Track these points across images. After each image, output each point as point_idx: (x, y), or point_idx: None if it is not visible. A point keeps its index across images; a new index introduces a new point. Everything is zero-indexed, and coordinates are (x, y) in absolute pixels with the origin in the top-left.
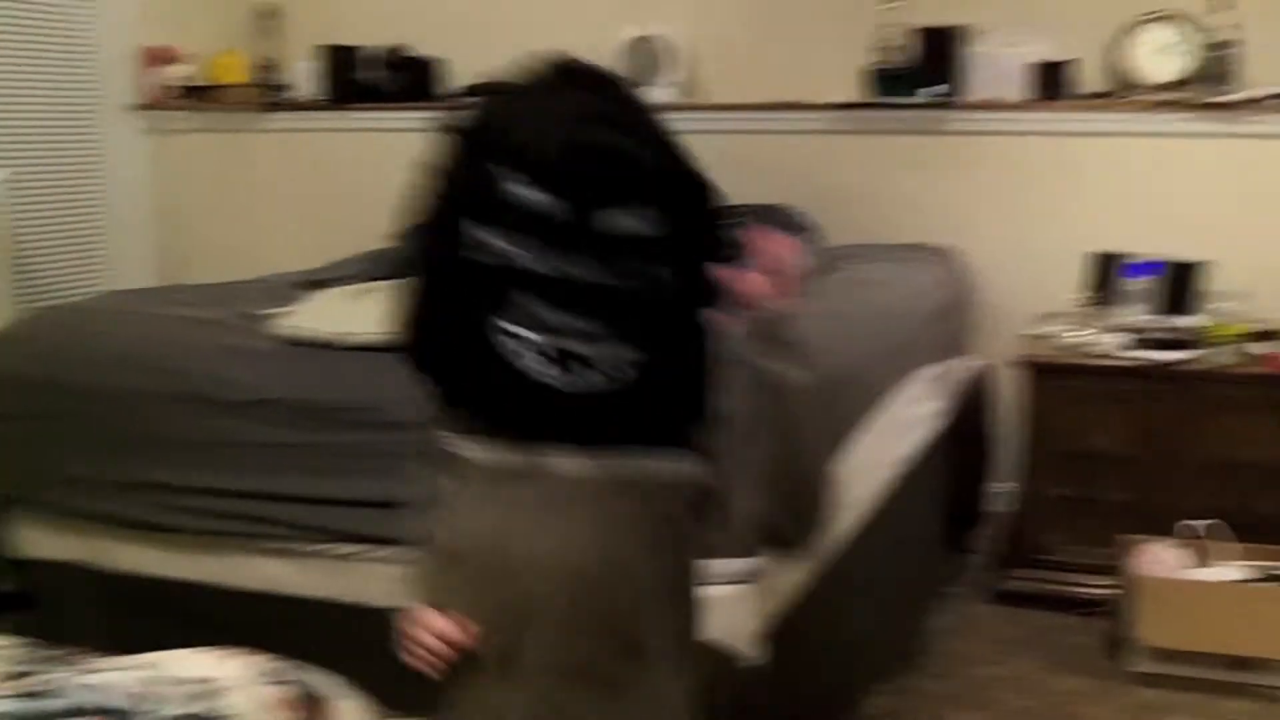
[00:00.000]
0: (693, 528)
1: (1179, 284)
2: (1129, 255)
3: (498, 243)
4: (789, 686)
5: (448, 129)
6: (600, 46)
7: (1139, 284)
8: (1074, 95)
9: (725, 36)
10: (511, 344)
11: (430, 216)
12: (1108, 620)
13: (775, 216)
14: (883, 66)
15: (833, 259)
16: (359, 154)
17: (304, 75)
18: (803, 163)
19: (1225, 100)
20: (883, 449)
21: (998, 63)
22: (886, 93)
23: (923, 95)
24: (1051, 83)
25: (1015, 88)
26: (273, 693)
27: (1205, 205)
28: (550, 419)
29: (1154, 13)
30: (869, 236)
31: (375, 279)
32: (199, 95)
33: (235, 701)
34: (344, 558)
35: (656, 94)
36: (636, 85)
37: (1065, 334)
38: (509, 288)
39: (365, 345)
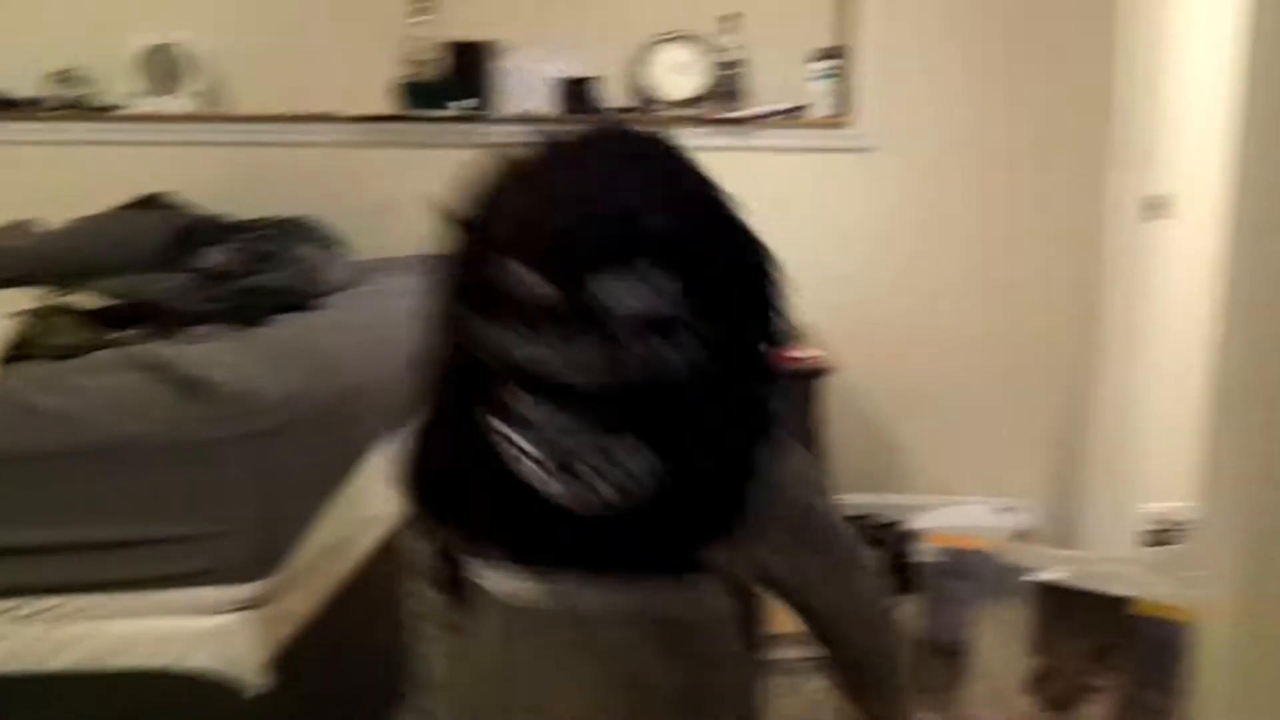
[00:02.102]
0: (731, 652)
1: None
2: None
3: (491, 334)
4: (308, 712)
5: (454, 215)
6: (114, 55)
7: None
8: (599, 110)
9: (250, 45)
10: (511, 451)
11: (436, 312)
12: None
13: (299, 230)
14: (413, 79)
15: (362, 272)
16: None
17: None
18: (332, 175)
19: (735, 116)
20: None
21: (527, 77)
22: (417, 105)
23: (454, 108)
24: (579, 97)
25: (544, 102)
26: None
27: None
28: (557, 540)
29: (671, 33)
30: (401, 249)
31: None
32: None
33: None
34: None
35: (175, 104)
36: (686, 152)
37: None
38: (503, 385)
39: None
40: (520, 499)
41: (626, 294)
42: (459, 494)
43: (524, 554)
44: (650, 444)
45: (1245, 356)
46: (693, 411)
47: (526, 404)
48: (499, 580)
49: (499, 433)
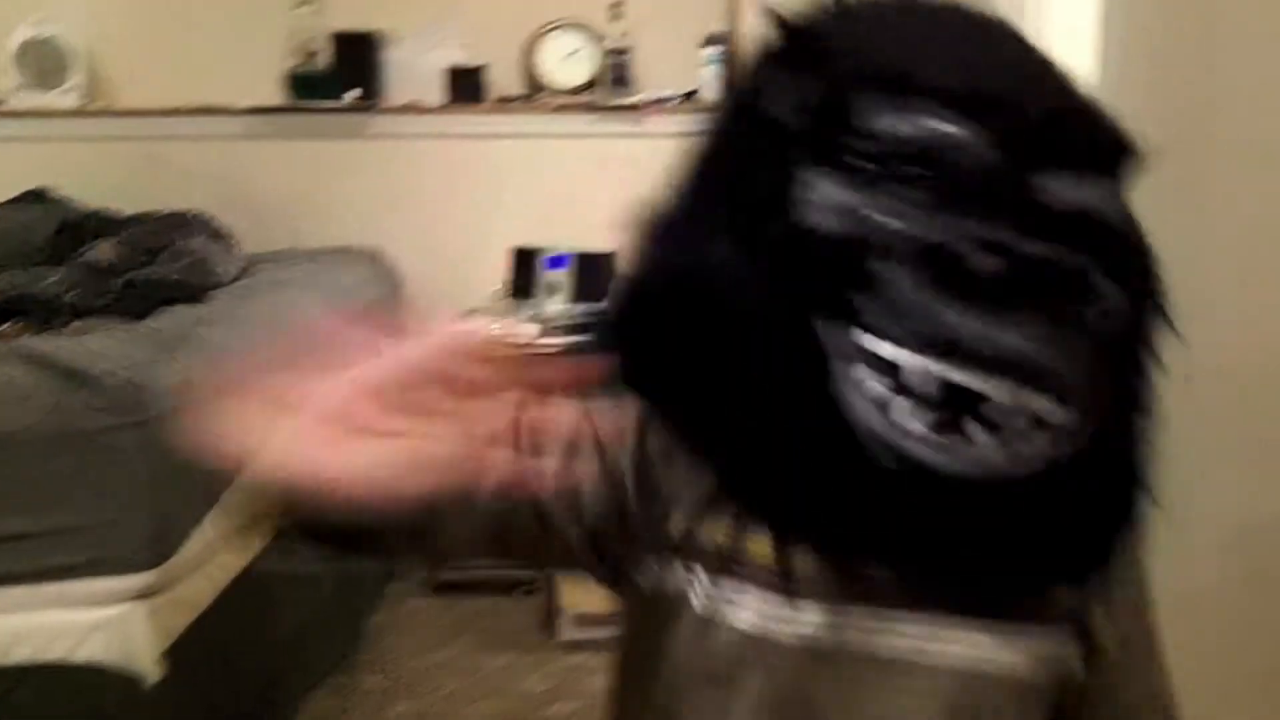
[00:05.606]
0: None
1: (590, 273)
2: (547, 249)
3: (849, 198)
4: (203, 702)
5: (760, 46)
6: None
7: (556, 276)
8: (490, 99)
9: (131, 37)
10: (866, 385)
11: (711, 170)
12: (540, 596)
13: (189, 223)
14: (300, 71)
15: (251, 265)
16: None
17: None
18: (219, 168)
19: (624, 103)
20: None
21: (415, 67)
22: (305, 97)
23: (341, 100)
24: (468, 87)
25: (433, 92)
26: None
27: (612, 199)
28: (915, 527)
29: (558, 21)
30: (292, 242)
31: None
32: None
33: None
34: None
35: (57, 99)
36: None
37: (487, 326)
38: (866, 274)
39: None
40: (852, 456)
41: (1083, 194)
42: (746, 432)
43: (842, 555)
44: (1065, 394)
45: None
46: (1116, 364)
47: (907, 296)
48: (779, 611)
49: (849, 349)
